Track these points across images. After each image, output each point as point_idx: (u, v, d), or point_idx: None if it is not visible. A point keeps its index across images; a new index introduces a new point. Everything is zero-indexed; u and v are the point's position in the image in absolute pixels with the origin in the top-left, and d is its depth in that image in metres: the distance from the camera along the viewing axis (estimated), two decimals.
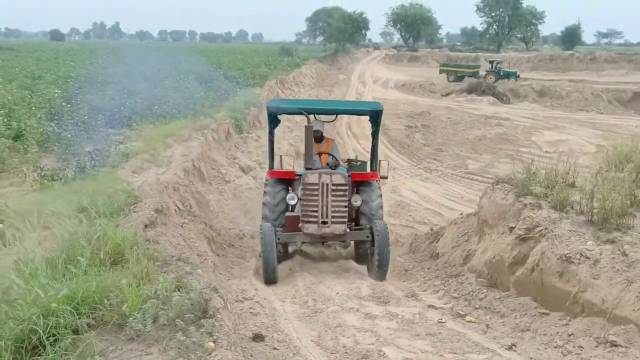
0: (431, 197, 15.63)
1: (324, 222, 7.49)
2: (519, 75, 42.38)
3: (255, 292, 6.30)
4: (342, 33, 70.87)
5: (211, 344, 3.49)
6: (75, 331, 3.60)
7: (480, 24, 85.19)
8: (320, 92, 33.99)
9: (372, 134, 9.47)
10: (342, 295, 6.23)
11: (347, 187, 7.71)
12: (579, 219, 5.64)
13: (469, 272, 6.68)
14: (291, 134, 20.04)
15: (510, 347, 4.73)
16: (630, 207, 5.60)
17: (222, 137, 15.75)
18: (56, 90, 17.39)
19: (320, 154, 9.20)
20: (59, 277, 4.03)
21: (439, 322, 5.43)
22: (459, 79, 42.44)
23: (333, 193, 7.52)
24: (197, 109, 17.93)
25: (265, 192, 8.52)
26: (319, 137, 9.31)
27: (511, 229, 6.08)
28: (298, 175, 8.59)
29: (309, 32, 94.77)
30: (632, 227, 5.38)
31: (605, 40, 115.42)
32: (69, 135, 12.28)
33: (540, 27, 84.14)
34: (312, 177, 7.56)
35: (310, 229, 7.51)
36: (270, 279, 7.07)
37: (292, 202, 7.87)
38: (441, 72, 46.16)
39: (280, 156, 11.56)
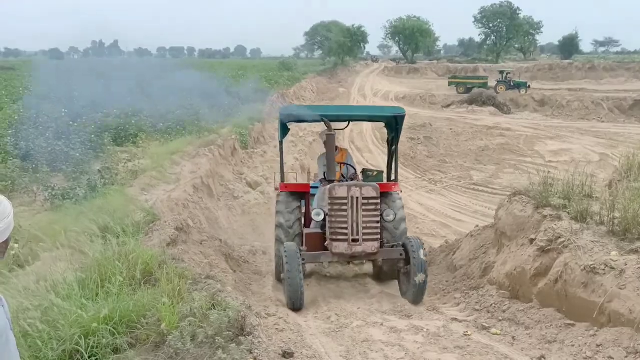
0: (438, 209, 15.67)
1: (354, 240, 6.81)
2: (529, 86, 42.35)
3: (276, 308, 6.30)
4: (342, 47, 71.31)
5: None
6: (115, 350, 3.62)
7: (479, 35, 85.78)
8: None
9: (388, 140, 8.96)
10: (364, 310, 6.22)
11: (378, 201, 7.08)
12: (600, 230, 5.65)
13: (489, 285, 6.68)
14: (295, 148, 20.10)
15: (540, 359, 4.73)
16: None
17: (228, 153, 15.82)
18: (63, 110, 17.47)
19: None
20: (92, 297, 4.05)
21: (465, 335, 5.42)
22: (468, 90, 42.33)
23: (364, 207, 6.89)
24: (202, 125, 18.05)
25: (278, 209, 7.93)
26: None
27: (532, 240, 6.09)
28: (313, 187, 8.25)
29: (307, 46, 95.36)
30: None
31: (602, 49, 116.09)
32: (77, 154, 12.34)
33: (537, 37, 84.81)
34: (341, 191, 6.92)
35: (340, 247, 6.83)
36: (297, 305, 6.38)
37: (319, 219, 7.08)
38: (450, 84, 46.26)
39: (275, 173, 11.59)
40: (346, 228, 6.83)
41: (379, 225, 7.05)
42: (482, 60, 76.01)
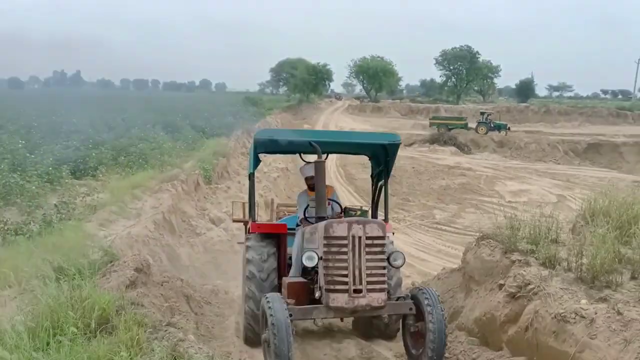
0: (401, 247, 15.58)
1: (356, 291, 5.50)
2: (509, 128, 42.40)
3: (240, 354, 6.04)
4: (306, 84, 72.16)
5: None
6: None
7: (440, 76, 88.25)
8: None
9: (375, 174, 7.91)
10: (330, 357, 6.03)
11: (385, 241, 5.85)
12: (569, 276, 5.66)
13: (458, 330, 6.58)
14: (260, 184, 19.93)
15: None
16: (618, 264, 5.67)
17: (191, 188, 15.51)
18: (20, 141, 16.91)
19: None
20: (43, 347, 3.76)
21: None
22: (449, 130, 42.55)
23: (368, 250, 5.60)
24: (164, 159, 17.75)
25: (249, 257, 6.78)
26: (313, 184, 7.25)
27: (500, 286, 6.06)
28: (291, 229, 7.23)
29: (273, 82, 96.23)
30: (621, 284, 5.43)
31: (556, 93, 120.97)
32: (33, 187, 11.87)
33: (495, 80, 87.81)
34: (340, 228, 5.63)
35: (339, 300, 5.49)
36: None
37: (311, 264, 5.74)
38: (431, 125, 46.31)
39: (243, 203, 10.39)
40: (346, 275, 5.52)
41: (386, 271, 5.82)
42: (443, 101, 78.03)
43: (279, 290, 6.49)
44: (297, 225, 7.30)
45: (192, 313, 6.88)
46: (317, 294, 5.76)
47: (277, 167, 23.74)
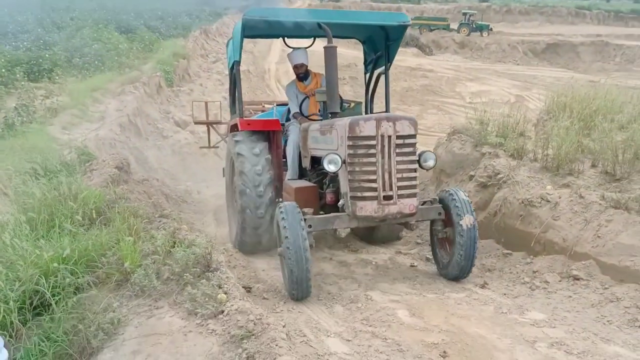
0: None
1: (387, 197, 4.85)
2: (491, 28, 41.78)
3: (224, 245, 6.28)
4: None
5: (223, 295, 3.53)
6: (77, 289, 3.51)
7: None
8: (245, 43, 33.05)
9: (371, 61, 7.17)
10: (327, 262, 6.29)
11: (416, 140, 5.11)
12: (535, 166, 6.01)
13: None
14: (223, 87, 19.55)
15: (483, 285, 5.06)
16: (580, 154, 6.02)
17: (153, 91, 15.15)
18: None
19: (307, 95, 6.83)
20: (45, 237, 3.86)
21: (412, 267, 5.71)
22: (431, 31, 41.68)
23: (399, 150, 4.89)
24: (122, 61, 17.10)
25: (239, 151, 6.18)
26: (303, 73, 6.85)
27: (471, 177, 6.38)
28: (284, 123, 6.75)
29: None
30: (582, 172, 5.82)
31: None
32: None
33: None
34: (367, 127, 4.84)
35: (367, 208, 4.84)
36: (303, 294, 4.68)
37: (334, 168, 4.95)
38: (414, 25, 45.53)
39: (206, 103, 10.66)
40: (375, 180, 4.85)
41: (417, 174, 5.16)
42: (404, 1, 76.14)
43: (276, 192, 6.21)
44: (287, 120, 6.88)
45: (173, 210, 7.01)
46: (339, 202, 5.15)
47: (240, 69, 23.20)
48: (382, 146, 4.86)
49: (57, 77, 14.25)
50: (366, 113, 7.05)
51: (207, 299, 3.49)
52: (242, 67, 19.21)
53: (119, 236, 3.96)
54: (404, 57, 33.65)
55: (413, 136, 5.00)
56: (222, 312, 3.43)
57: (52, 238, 3.84)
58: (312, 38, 7.31)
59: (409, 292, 4.87)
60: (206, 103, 10.80)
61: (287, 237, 4.55)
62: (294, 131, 6.51)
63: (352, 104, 7.29)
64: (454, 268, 5.19)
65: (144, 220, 4.52)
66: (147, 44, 21.64)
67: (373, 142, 4.85)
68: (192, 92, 17.29)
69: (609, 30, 45.54)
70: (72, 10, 31.87)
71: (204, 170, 12.25)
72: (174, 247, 3.98)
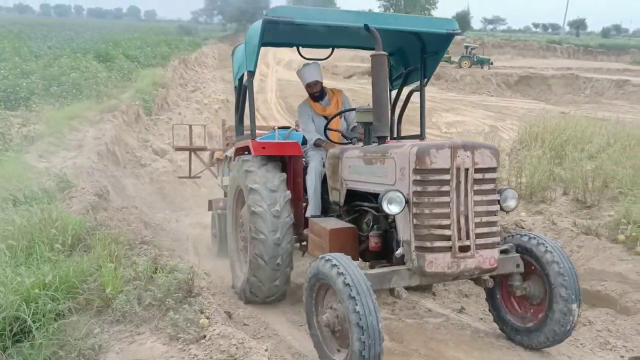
0: None
1: (463, 249, 3.85)
2: (492, 62, 42.22)
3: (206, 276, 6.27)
4: (243, 13, 69.87)
5: (205, 320, 3.55)
6: (57, 316, 3.50)
7: (378, 7, 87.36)
8: (224, 73, 33.40)
9: (402, 76, 6.20)
10: None
11: (497, 175, 4.13)
12: None
13: None
14: (201, 115, 19.65)
15: (460, 310, 5.16)
16: (552, 182, 6.23)
17: (132, 120, 15.16)
18: None
19: (326, 117, 5.79)
20: (25, 264, 3.85)
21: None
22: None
23: (477, 187, 3.91)
24: (100, 89, 17.13)
25: (250, 183, 5.08)
26: (318, 92, 5.95)
27: None
28: (306, 144, 5.83)
29: (207, 10, 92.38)
30: (554, 199, 6.01)
31: (490, 27, 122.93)
32: None
33: (433, 12, 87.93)
34: (440, 157, 3.80)
35: (439, 263, 3.79)
36: None
37: (397, 209, 3.86)
38: None
39: (190, 126, 9.93)
40: (449, 226, 3.81)
41: (499, 218, 4.13)
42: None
43: (297, 233, 5.30)
44: (303, 144, 5.96)
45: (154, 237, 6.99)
46: (397, 251, 4.05)
47: (217, 99, 23.36)
48: (458, 182, 3.82)
49: (34, 106, 14.20)
50: (392, 137, 6.10)
51: (189, 324, 3.51)
52: (221, 97, 18.82)
53: (100, 262, 3.98)
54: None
55: (494, 169, 3.98)
56: (204, 336, 3.45)
57: (32, 265, 3.84)
58: (332, 49, 6.57)
59: (388, 317, 4.94)
60: (190, 126, 10.22)
61: (357, 311, 3.42)
62: (315, 157, 5.57)
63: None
64: (549, 332, 4.13)
65: (125, 247, 4.54)
66: (126, 72, 21.73)
67: (447, 177, 3.79)
68: (171, 121, 17.33)
69: (579, 63, 47.04)
70: (49, 39, 31.94)
71: (182, 198, 12.25)
72: (156, 272, 4.01)
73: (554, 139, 7.39)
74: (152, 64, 26.22)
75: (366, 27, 4.65)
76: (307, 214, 5.41)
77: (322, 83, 5.99)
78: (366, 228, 4.69)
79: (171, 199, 12.17)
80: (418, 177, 3.82)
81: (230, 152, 6.87)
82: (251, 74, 5.48)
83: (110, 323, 3.67)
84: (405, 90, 6.48)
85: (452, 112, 27.78)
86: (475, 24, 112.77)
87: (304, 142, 6.08)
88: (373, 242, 4.45)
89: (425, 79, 6.04)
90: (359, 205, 4.73)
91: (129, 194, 11.35)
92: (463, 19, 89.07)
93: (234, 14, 70.65)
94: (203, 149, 10.06)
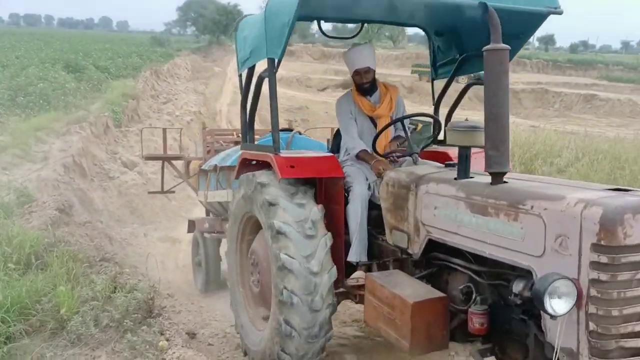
0: None
1: None
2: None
3: (169, 290, 6.09)
4: (216, 25, 69.73)
5: (164, 342, 3.40)
6: (9, 339, 3.31)
7: None
8: (197, 85, 33.16)
9: (454, 63, 4.73)
10: None
11: None
12: None
13: None
14: (173, 127, 19.37)
15: None
16: None
17: (100, 131, 14.86)
18: None
19: (373, 119, 4.51)
20: None
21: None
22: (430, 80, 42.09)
23: None
24: (68, 100, 16.83)
25: (279, 231, 3.63)
26: (369, 84, 4.50)
27: None
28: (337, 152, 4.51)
29: (180, 22, 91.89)
30: None
31: None
32: None
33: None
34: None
35: None
36: None
37: (565, 309, 2.48)
38: (413, 72, 44.98)
39: (164, 130, 8.50)
40: None
41: None
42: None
43: (336, 286, 3.83)
44: (334, 153, 4.59)
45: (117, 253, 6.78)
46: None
47: (189, 111, 23.12)
48: None
49: None
50: (433, 139, 4.76)
51: (147, 347, 3.37)
52: (194, 109, 18.26)
53: (56, 281, 3.80)
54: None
55: None
56: None
57: None
58: (362, 25, 5.21)
59: (357, 335, 4.85)
60: (164, 130, 8.73)
61: None
62: (358, 177, 4.16)
63: (419, 126, 4.94)
64: None
65: (84, 265, 4.37)
66: (96, 83, 21.43)
67: None
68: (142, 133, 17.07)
69: (549, 78, 48.10)
70: (17, 49, 31.34)
71: (152, 212, 12.01)
72: (115, 292, 3.85)
73: (524, 153, 7.43)
74: (123, 74, 25.90)
75: (483, 5, 3.08)
76: (350, 258, 3.98)
77: (375, 72, 4.52)
78: (461, 299, 3.21)
79: (140, 213, 11.92)
80: (603, 259, 2.40)
81: (217, 161, 6.14)
82: (275, 63, 3.89)
83: (64, 346, 3.51)
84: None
85: None
86: None
87: (333, 149, 4.84)
88: (477, 323, 3.04)
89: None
90: (447, 261, 3.37)
91: (96, 208, 11.06)
92: None
93: (207, 26, 70.42)
94: (178, 157, 8.62)
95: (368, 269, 3.97)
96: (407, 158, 4.30)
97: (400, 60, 63.38)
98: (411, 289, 3.23)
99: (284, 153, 3.98)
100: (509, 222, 2.81)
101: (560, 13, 3.87)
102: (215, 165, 6.30)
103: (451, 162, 3.61)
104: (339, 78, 42.63)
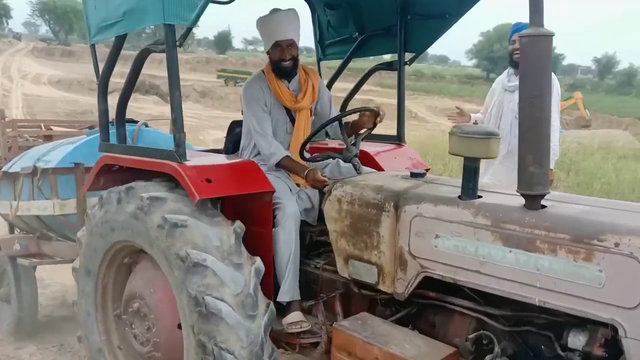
0: None
1: None
2: None
3: None
4: None
5: None
6: None
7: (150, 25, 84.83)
8: None
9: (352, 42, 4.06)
10: None
11: None
12: None
13: None
14: None
15: None
16: None
17: None
18: None
19: (290, 112, 3.49)
20: None
21: None
22: (236, 84, 40.59)
23: None
24: None
25: (197, 263, 2.61)
26: (289, 62, 3.36)
27: None
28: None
29: None
30: None
31: (252, 47, 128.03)
32: None
33: (195, 30, 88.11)
34: None
35: None
36: None
37: None
38: (219, 77, 44.64)
39: (145, 123, 5.25)
40: None
41: None
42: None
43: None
44: (228, 153, 3.89)
45: None
46: None
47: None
48: None
49: None
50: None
51: None
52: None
53: None
54: (146, 105, 33.17)
55: None
56: None
57: None
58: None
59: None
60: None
61: None
62: (287, 193, 3.21)
63: (365, 132, 3.43)
64: None
65: None
66: None
67: None
68: None
69: None
70: None
71: None
72: None
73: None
74: None
75: None
76: (281, 298, 3.02)
77: (297, 48, 3.40)
78: (469, 350, 2.47)
79: None
80: None
81: (31, 162, 4.64)
82: (173, 32, 2.76)
83: None
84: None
85: (218, 129, 28.15)
86: (237, 44, 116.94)
87: (228, 148, 3.95)
88: None
89: (409, 55, 3.77)
90: (441, 301, 2.62)
91: None
92: (224, 38, 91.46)
93: None
94: None
95: (299, 307, 3.04)
96: (329, 161, 3.44)
97: (191, 64, 62.69)
98: (410, 345, 2.41)
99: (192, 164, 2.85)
100: (578, 262, 2.08)
101: None
102: (34, 167, 4.64)
103: (417, 172, 2.96)
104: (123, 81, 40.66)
